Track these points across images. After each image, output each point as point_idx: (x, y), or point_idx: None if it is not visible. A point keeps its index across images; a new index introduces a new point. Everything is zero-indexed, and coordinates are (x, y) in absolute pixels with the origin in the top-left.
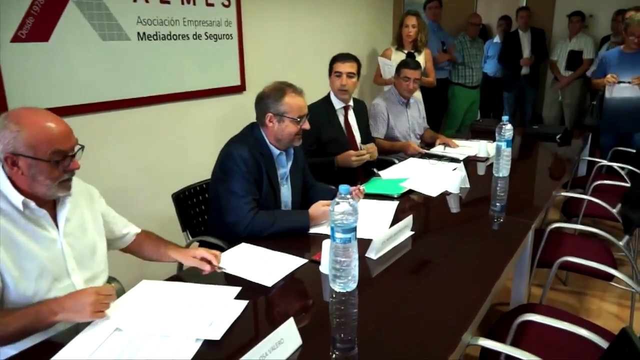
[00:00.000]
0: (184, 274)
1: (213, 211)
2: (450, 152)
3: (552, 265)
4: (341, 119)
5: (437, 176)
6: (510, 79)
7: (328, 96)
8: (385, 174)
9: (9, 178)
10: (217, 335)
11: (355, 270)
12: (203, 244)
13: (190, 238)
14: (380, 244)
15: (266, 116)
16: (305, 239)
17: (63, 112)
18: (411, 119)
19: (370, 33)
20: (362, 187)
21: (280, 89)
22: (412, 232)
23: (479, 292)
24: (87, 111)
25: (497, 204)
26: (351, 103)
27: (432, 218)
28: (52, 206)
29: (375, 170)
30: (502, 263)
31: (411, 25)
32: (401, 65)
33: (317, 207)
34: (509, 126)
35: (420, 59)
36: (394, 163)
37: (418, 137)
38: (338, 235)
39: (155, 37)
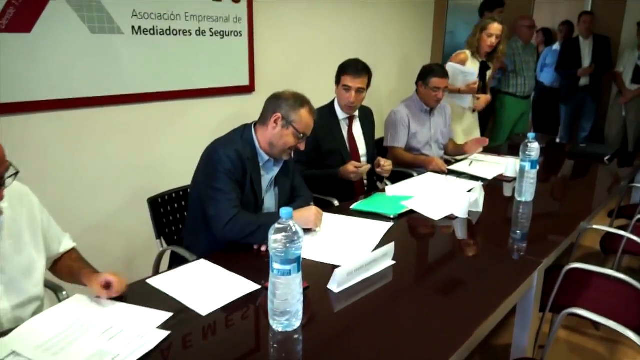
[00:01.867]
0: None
1: (191, 218)
2: (476, 169)
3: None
4: (344, 130)
5: (445, 197)
6: (567, 90)
7: (332, 104)
8: (391, 189)
9: None
10: None
11: (297, 306)
12: (173, 255)
13: (164, 246)
14: (345, 276)
15: (274, 115)
16: None
17: (43, 106)
18: (434, 127)
19: (402, 36)
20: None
21: (302, 100)
22: (393, 262)
23: (451, 341)
24: (71, 106)
25: (516, 233)
26: (356, 113)
27: (424, 245)
28: None
29: (380, 184)
30: (492, 306)
31: (496, 35)
32: (429, 73)
33: (310, 209)
34: (535, 145)
35: (474, 67)
36: (412, 176)
37: (442, 147)
38: (276, 266)
39: (152, 32)
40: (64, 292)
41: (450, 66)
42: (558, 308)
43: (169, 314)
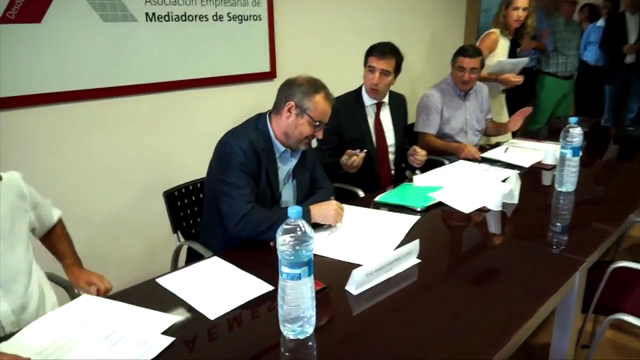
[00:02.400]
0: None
1: (207, 213)
2: (512, 156)
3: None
4: (371, 118)
5: (477, 187)
6: (612, 69)
7: (359, 90)
8: (419, 179)
9: None
10: None
11: (310, 312)
12: (190, 249)
13: (181, 240)
14: (364, 277)
15: (287, 104)
16: None
17: (56, 98)
18: (469, 112)
19: (432, 17)
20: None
21: (316, 85)
22: (418, 261)
23: (484, 350)
24: (84, 97)
25: (555, 226)
26: (385, 99)
27: (453, 241)
28: None
29: (409, 174)
30: (530, 310)
31: (522, 7)
32: (458, 52)
33: (322, 205)
34: (577, 130)
35: (505, 47)
36: (443, 164)
37: (477, 133)
38: (285, 269)
39: (167, 18)
40: (76, 290)
41: (499, 64)
42: (603, 309)
43: (175, 318)
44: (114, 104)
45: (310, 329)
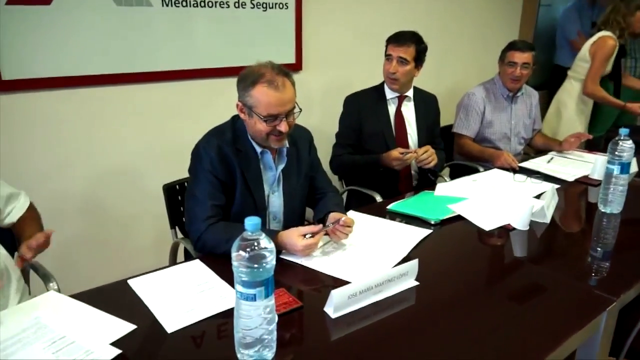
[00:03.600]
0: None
1: None
2: (555, 167)
3: None
4: (391, 111)
5: (504, 202)
6: None
7: (382, 84)
8: (442, 188)
9: None
10: None
11: (268, 336)
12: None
13: (178, 237)
14: (345, 298)
15: (238, 105)
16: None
17: (64, 82)
18: (515, 117)
19: (481, 11)
20: (347, 220)
21: (253, 76)
22: (416, 283)
23: None
24: (94, 83)
25: (590, 254)
26: (409, 93)
27: (464, 263)
28: None
29: (432, 177)
30: (544, 352)
31: None
32: (508, 46)
33: (292, 236)
34: (629, 143)
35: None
36: (478, 171)
37: (522, 142)
38: (239, 288)
39: (184, 4)
40: (52, 283)
41: None
42: (636, 355)
43: (131, 327)
44: (124, 91)
45: (269, 355)
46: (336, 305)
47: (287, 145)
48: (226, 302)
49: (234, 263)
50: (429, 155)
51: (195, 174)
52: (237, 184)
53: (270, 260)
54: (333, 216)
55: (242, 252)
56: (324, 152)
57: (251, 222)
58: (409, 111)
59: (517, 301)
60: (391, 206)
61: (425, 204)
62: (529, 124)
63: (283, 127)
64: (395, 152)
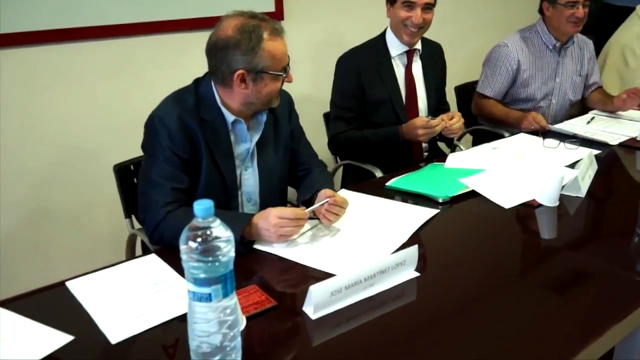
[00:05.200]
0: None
1: None
2: (596, 129)
3: None
4: (399, 72)
5: (527, 173)
6: None
7: (382, 36)
8: (455, 159)
9: None
10: None
11: (232, 342)
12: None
13: (135, 227)
14: (327, 295)
15: (235, 75)
16: (250, 257)
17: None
18: (562, 74)
19: None
20: (338, 199)
21: (254, 31)
22: (416, 274)
23: None
24: (24, 42)
25: (635, 236)
26: (418, 46)
27: (478, 248)
28: None
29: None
30: (572, 351)
31: None
32: None
33: (267, 216)
34: None
35: None
36: (502, 136)
37: (570, 103)
38: (191, 287)
39: None
40: None
41: None
42: None
43: (69, 338)
44: (62, 51)
45: None
46: (316, 303)
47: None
48: (186, 304)
49: (183, 257)
50: (461, 125)
51: (150, 151)
52: (202, 162)
53: (227, 251)
54: (323, 194)
55: (191, 244)
56: (309, 121)
57: (201, 206)
58: (417, 69)
59: (543, 293)
60: (390, 182)
61: (432, 179)
62: (578, 83)
63: (289, 78)
64: (420, 121)
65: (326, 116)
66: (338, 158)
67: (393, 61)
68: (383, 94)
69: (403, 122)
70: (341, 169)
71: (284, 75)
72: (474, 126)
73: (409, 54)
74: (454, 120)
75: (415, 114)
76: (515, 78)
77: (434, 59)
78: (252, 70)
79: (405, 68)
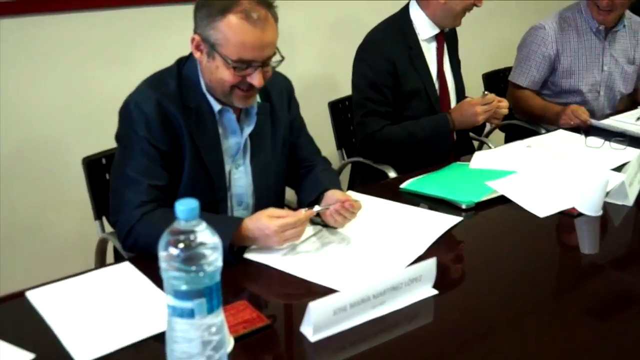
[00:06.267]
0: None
1: None
2: None
3: None
4: (430, 57)
5: (566, 177)
6: None
7: (404, 15)
8: (481, 158)
9: None
10: None
11: None
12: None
13: (106, 231)
14: (330, 314)
15: (194, 39)
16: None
17: None
18: (610, 62)
19: None
20: (354, 203)
21: (224, 1)
22: (434, 292)
23: None
24: None
25: None
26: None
27: (508, 264)
28: None
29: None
30: None
31: None
32: None
33: (260, 218)
34: None
35: None
36: (538, 133)
37: (620, 95)
38: (171, 301)
39: None
40: None
41: None
42: None
43: (28, 356)
44: (26, 25)
45: None
46: (317, 323)
47: (257, 102)
48: (164, 320)
49: (162, 265)
50: (507, 111)
51: (124, 143)
52: (185, 156)
53: (214, 260)
54: (332, 196)
55: (172, 250)
56: (311, 112)
57: (185, 206)
58: (446, 56)
59: (586, 321)
60: (406, 185)
61: (454, 182)
62: (631, 72)
63: (256, 79)
64: (473, 100)
65: (333, 106)
66: (344, 153)
67: (422, 46)
68: (417, 84)
69: (438, 113)
70: (348, 168)
71: (235, 67)
72: (507, 121)
73: (438, 38)
74: (503, 103)
75: (448, 105)
76: (554, 66)
77: (452, 41)
78: (205, 41)
79: (437, 54)
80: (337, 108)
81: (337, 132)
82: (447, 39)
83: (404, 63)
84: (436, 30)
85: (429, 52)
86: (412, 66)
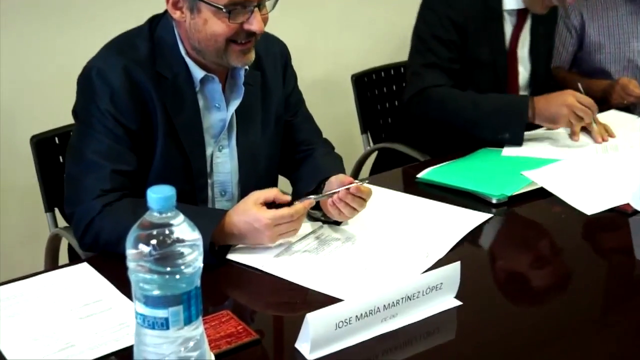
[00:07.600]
0: None
1: None
2: None
3: None
4: (507, 31)
5: (618, 168)
6: None
7: None
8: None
9: None
10: None
11: None
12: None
13: (58, 225)
14: (331, 328)
15: None
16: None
17: None
18: None
19: None
20: (362, 188)
21: None
22: (458, 303)
23: None
24: None
25: None
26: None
27: (546, 268)
28: None
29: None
30: None
31: None
32: None
33: (248, 207)
34: None
35: None
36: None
37: None
38: (140, 309)
39: None
40: None
41: None
42: None
43: None
44: None
45: None
46: (315, 338)
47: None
48: (132, 333)
49: (130, 266)
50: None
51: (83, 119)
52: (157, 136)
53: (193, 260)
54: (336, 181)
55: (142, 247)
56: (309, 85)
57: (158, 194)
58: (525, 35)
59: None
60: (424, 174)
61: (482, 171)
62: None
63: (255, 23)
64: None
65: (357, 80)
66: (370, 138)
67: (502, 17)
68: (486, 55)
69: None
70: (372, 157)
71: (230, 12)
72: None
73: (520, 14)
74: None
75: (516, 88)
76: (581, 39)
77: (546, 24)
78: None
79: (514, 30)
80: (362, 82)
81: (361, 113)
82: (536, 21)
83: (477, 28)
84: (521, 5)
85: (507, 26)
86: (486, 35)
